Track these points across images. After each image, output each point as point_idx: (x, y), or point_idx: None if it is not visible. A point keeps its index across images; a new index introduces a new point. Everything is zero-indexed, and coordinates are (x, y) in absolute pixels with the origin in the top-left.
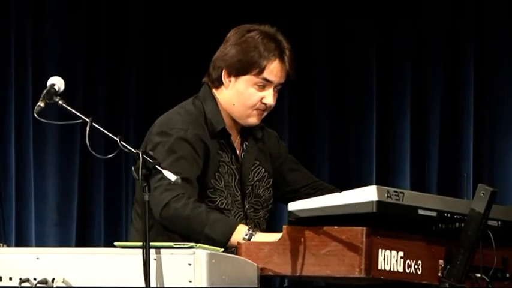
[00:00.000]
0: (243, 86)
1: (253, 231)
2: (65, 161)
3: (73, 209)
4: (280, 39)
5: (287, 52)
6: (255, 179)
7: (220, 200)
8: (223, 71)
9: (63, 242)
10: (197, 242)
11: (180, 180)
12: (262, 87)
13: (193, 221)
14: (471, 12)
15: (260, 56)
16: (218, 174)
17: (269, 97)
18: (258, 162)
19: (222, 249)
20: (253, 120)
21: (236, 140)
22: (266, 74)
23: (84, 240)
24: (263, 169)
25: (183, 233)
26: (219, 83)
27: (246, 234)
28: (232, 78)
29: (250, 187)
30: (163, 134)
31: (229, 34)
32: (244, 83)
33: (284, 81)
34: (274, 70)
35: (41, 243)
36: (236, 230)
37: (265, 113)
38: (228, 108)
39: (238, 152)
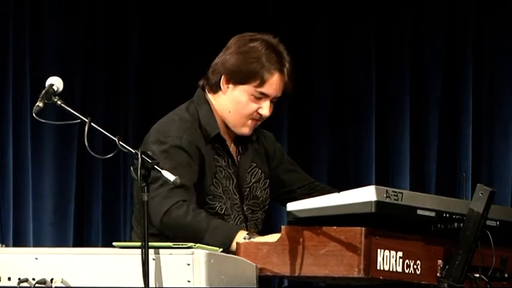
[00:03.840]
0: (241, 95)
1: (251, 236)
2: (63, 161)
3: (70, 210)
4: (281, 51)
5: (287, 65)
6: (252, 180)
7: (220, 206)
8: (223, 77)
9: (60, 243)
10: None
11: (178, 181)
12: (259, 99)
13: (193, 228)
14: (470, 13)
15: (262, 67)
16: (215, 180)
17: (265, 108)
18: (254, 164)
19: (221, 249)
20: (246, 130)
21: (231, 144)
22: (265, 88)
23: (81, 240)
24: (259, 170)
25: (184, 240)
26: (216, 88)
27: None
28: (231, 86)
29: (248, 189)
30: (159, 143)
31: (231, 41)
32: (242, 92)
33: (281, 94)
34: (273, 84)
35: (38, 244)
36: (235, 238)
37: (258, 123)
38: (223, 114)
39: (234, 155)
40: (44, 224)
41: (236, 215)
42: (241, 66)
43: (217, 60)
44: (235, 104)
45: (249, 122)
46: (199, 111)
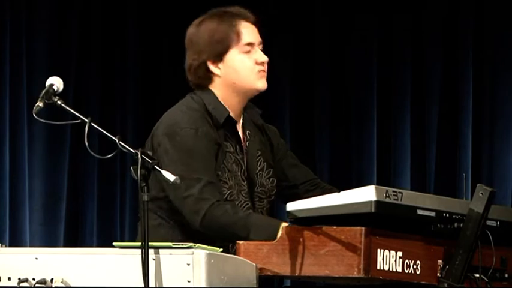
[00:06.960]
0: (233, 60)
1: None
2: (59, 161)
3: (62, 210)
4: (227, 9)
5: (241, 10)
6: (258, 168)
7: (224, 192)
8: (207, 63)
9: (51, 243)
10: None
11: (178, 180)
12: (249, 52)
13: (235, 227)
14: (470, 12)
15: (227, 28)
16: (223, 165)
17: (259, 54)
18: (260, 152)
19: (221, 249)
20: (261, 84)
21: (239, 130)
22: (245, 38)
23: (75, 241)
24: (264, 159)
25: (226, 239)
26: (209, 79)
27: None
28: (220, 63)
29: (256, 177)
30: (173, 136)
31: (187, 38)
32: (233, 58)
33: (261, 37)
34: (247, 30)
35: (34, 243)
36: (279, 229)
37: (265, 72)
38: (231, 89)
39: (242, 141)
40: (40, 224)
41: (243, 201)
42: (212, 42)
43: (189, 59)
44: (235, 71)
45: (258, 75)
46: (204, 98)
